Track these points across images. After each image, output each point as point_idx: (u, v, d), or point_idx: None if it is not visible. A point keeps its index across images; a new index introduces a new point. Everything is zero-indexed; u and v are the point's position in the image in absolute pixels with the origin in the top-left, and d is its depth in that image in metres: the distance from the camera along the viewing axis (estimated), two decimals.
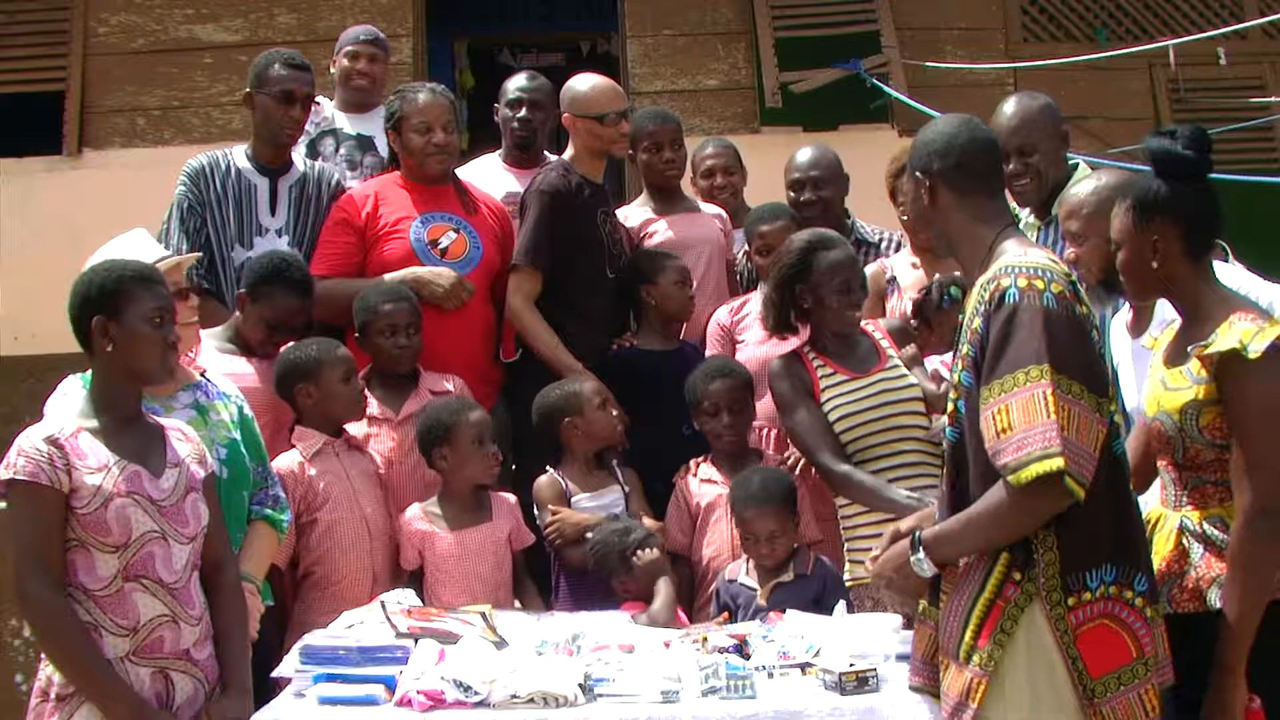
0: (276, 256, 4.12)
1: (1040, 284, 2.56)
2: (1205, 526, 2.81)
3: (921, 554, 2.70)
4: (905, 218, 4.47)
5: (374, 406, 4.12)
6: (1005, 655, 2.56)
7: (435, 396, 4.11)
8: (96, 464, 2.83)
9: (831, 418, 3.74)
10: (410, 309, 4.12)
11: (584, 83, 4.55)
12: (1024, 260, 2.61)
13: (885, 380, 3.79)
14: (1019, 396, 2.51)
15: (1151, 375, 2.97)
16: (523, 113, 4.90)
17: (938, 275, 4.17)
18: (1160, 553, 2.85)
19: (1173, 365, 2.87)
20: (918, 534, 2.72)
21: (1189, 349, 2.78)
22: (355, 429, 4.07)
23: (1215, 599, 2.75)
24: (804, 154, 4.81)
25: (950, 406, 2.73)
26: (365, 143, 4.88)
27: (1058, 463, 2.46)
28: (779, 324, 3.91)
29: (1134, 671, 2.56)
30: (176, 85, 7.22)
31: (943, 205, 2.78)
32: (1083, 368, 2.55)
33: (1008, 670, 2.56)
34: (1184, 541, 2.83)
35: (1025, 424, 2.49)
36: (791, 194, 4.74)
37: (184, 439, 3.04)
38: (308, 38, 6.99)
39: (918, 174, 2.79)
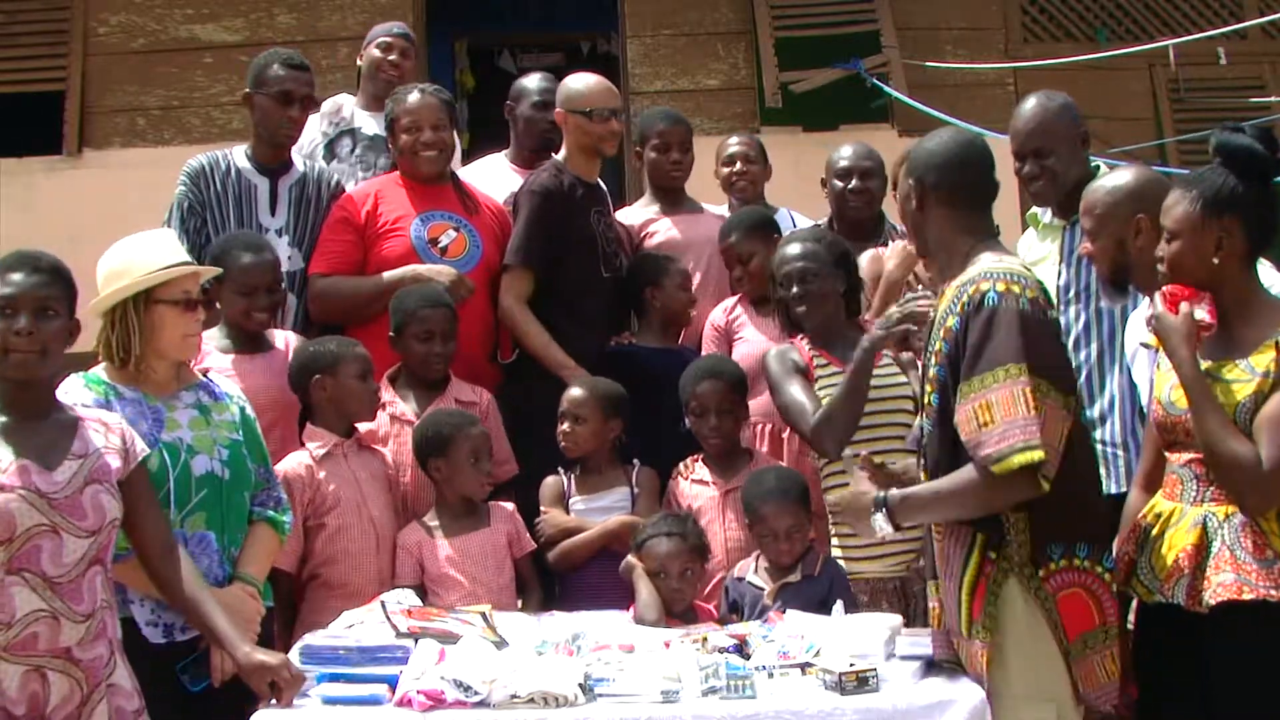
0: (224, 236, 4.21)
1: (1017, 289, 2.82)
2: (1234, 521, 2.78)
3: (882, 516, 2.91)
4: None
5: (398, 406, 4.11)
6: (998, 625, 2.82)
7: (459, 406, 4.09)
8: None
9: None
10: (446, 315, 4.09)
11: (577, 79, 4.57)
12: (1001, 266, 2.86)
13: (876, 377, 3.77)
14: (999, 392, 2.74)
15: (1165, 371, 2.93)
16: (551, 114, 4.87)
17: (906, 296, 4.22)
18: (1176, 546, 2.84)
19: (1213, 359, 2.83)
20: (880, 495, 2.93)
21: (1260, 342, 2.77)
22: (375, 426, 4.06)
23: (1220, 593, 2.74)
24: (852, 146, 4.78)
25: (925, 400, 2.92)
26: (381, 143, 4.83)
27: (1039, 454, 2.71)
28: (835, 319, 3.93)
29: (1097, 638, 2.83)
30: (176, 85, 7.22)
31: (929, 212, 3.01)
32: (1054, 368, 2.81)
33: (1005, 639, 2.82)
34: (1206, 536, 2.80)
35: (1006, 418, 2.72)
36: (838, 183, 4.69)
37: (105, 429, 2.98)
38: (308, 38, 7.00)
39: (911, 180, 3.01)
